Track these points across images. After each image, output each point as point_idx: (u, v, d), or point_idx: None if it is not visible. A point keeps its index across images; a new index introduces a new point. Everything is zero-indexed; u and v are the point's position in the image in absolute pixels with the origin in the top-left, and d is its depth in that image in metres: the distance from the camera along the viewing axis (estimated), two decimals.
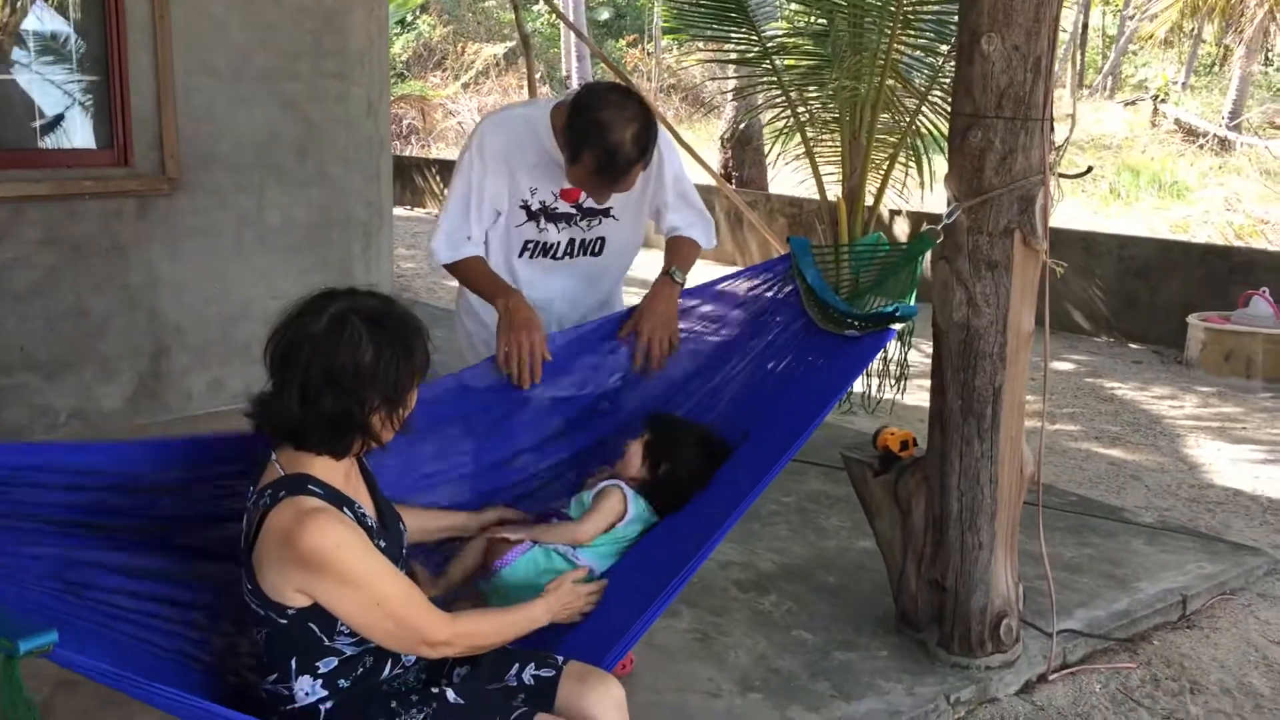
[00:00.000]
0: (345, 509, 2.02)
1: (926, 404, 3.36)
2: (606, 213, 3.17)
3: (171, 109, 5.16)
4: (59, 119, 5.17)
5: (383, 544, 2.08)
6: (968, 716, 3.14)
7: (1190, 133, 17.89)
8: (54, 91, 5.13)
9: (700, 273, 3.20)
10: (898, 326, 3.05)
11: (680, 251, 3.25)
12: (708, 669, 3.23)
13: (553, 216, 3.12)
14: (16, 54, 5.05)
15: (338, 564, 1.94)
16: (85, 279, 5.13)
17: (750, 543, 4.09)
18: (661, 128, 3.02)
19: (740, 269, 3.52)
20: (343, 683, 2.08)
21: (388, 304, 2.08)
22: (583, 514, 2.77)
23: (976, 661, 3.25)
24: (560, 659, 2.29)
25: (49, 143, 5.15)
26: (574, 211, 3.13)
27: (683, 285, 3.17)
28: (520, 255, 3.18)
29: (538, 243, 3.16)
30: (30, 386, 5.06)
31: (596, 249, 3.23)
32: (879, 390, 3.94)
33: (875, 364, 3.64)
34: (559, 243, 3.17)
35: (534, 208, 3.09)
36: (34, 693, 1.63)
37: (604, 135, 2.74)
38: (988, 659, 3.25)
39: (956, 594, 3.25)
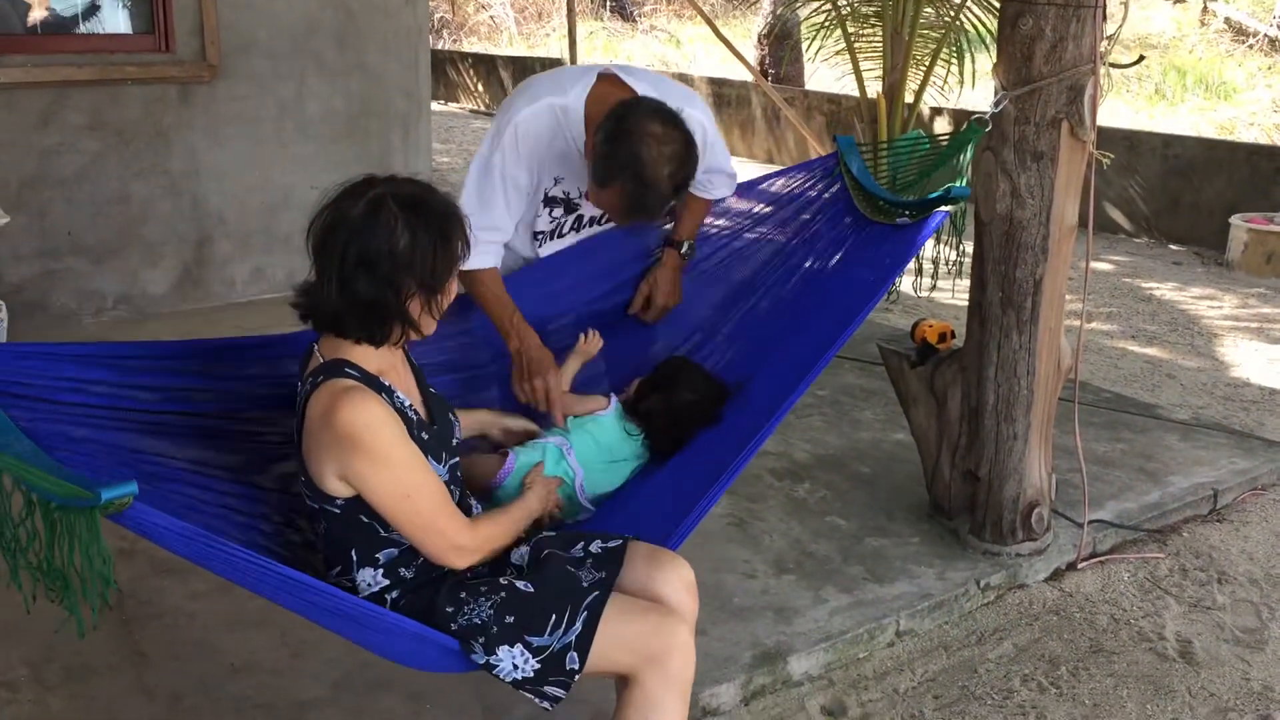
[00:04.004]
0: (383, 395, 2.01)
1: (964, 302, 3.37)
2: None
3: None
4: (99, 5, 5.16)
5: (425, 437, 2.07)
6: (997, 601, 3.21)
7: (1240, 32, 17.36)
8: None
9: (740, 171, 3.18)
10: (949, 208, 3.04)
11: (692, 215, 3.09)
12: (744, 551, 3.32)
13: (569, 207, 2.97)
14: None
15: (368, 441, 1.92)
16: (129, 165, 5.18)
17: (786, 434, 4.14)
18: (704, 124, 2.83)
19: (780, 169, 3.48)
20: (405, 572, 2.09)
21: (427, 191, 2.05)
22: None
23: (1007, 549, 3.31)
24: (624, 536, 2.27)
25: (89, 28, 5.16)
26: (589, 213, 3.01)
27: (691, 256, 3.09)
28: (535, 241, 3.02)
29: (548, 231, 3.02)
30: (78, 271, 5.15)
31: (604, 219, 3.07)
32: (917, 287, 3.92)
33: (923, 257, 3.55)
34: (566, 222, 3.02)
35: (554, 195, 2.93)
36: None
37: (640, 171, 2.51)
38: (1018, 546, 3.31)
39: (990, 483, 3.31)
